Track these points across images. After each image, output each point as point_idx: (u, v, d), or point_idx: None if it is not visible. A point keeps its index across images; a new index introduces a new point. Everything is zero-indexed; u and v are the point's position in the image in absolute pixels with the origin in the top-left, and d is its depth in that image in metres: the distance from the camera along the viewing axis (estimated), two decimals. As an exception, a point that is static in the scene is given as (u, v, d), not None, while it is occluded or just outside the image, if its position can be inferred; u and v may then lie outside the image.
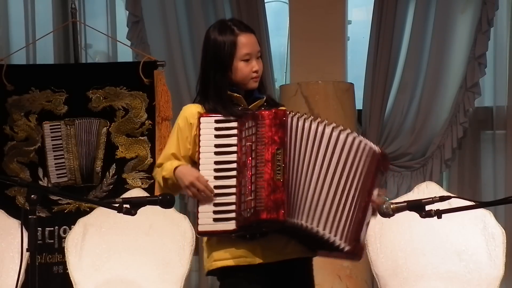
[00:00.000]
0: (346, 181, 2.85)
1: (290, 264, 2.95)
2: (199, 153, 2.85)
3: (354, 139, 2.87)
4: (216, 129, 2.86)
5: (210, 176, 2.83)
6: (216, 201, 2.82)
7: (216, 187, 2.82)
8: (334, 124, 2.87)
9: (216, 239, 2.91)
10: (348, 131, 2.88)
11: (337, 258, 3.05)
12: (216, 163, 2.83)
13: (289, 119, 2.82)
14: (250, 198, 2.77)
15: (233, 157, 2.84)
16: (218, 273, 2.96)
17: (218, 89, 2.91)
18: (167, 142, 3.04)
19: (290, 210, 2.78)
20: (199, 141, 2.86)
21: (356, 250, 2.86)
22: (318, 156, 2.84)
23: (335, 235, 2.83)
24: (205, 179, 2.82)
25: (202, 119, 2.87)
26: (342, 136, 2.86)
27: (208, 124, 2.86)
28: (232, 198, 2.81)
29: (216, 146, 2.85)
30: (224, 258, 2.90)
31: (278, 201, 2.75)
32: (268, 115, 2.81)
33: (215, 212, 2.81)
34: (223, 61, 2.91)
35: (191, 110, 2.95)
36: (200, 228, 2.83)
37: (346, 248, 2.83)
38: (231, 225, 2.81)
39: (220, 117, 2.86)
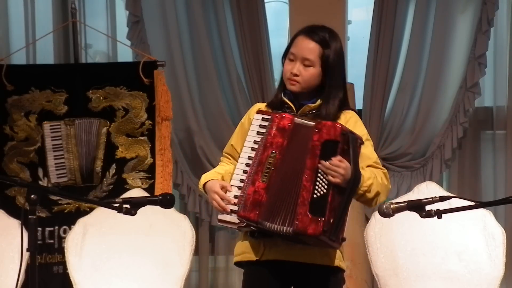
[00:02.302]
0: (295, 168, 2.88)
1: (308, 268, 2.98)
2: (243, 146, 2.99)
3: (298, 125, 2.91)
4: (260, 126, 2.97)
5: (241, 170, 2.95)
6: (236, 194, 2.93)
7: (241, 180, 2.93)
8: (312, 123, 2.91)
9: (238, 236, 3.10)
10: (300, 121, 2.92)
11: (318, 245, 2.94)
12: (249, 158, 2.94)
13: (295, 126, 2.89)
14: (241, 194, 2.89)
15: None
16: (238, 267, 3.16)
17: (279, 83, 3.11)
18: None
19: (268, 212, 2.83)
20: (247, 135, 2.99)
21: (303, 226, 2.77)
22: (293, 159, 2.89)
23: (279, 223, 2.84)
24: (223, 192, 2.94)
25: (255, 115, 3.01)
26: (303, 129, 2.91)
27: (257, 120, 2.98)
28: None
29: (255, 142, 2.95)
30: (235, 254, 3.09)
31: (256, 201, 2.85)
32: (275, 118, 2.92)
33: (234, 204, 2.92)
34: (283, 56, 3.10)
35: (255, 107, 3.12)
36: (219, 216, 2.97)
37: (288, 230, 2.80)
38: (237, 219, 2.94)
39: (265, 115, 2.98)
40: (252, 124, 2.99)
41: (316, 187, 2.80)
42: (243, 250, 3.04)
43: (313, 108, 3.03)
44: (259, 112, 3.02)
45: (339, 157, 2.82)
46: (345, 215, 2.86)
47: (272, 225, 2.83)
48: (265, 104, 3.15)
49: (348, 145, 2.85)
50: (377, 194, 2.96)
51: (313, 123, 2.88)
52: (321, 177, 2.81)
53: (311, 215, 2.77)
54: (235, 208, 2.91)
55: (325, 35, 3.04)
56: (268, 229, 2.86)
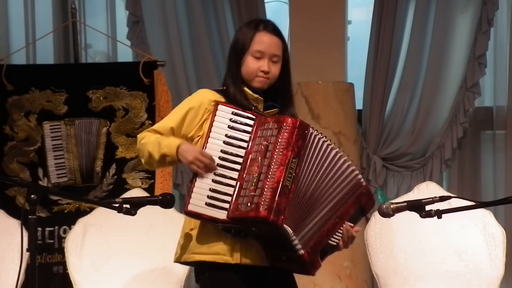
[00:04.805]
0: (329, 199, 2.90)
1: (278, 272, 2.96)
2: (208, 137, 2.85)
3: (348, 166, 2.92)
4: (231, 120, 2.88)
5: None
6: (212, 187, 2.81)
7: (217, 174, 2.82)
8: (338, 149, 2.92)
9: (198, 232, 2.91)
10: (346, 157, 2.94)
11: (290, 269, 2.99)
12: (223, 151, 2.84)
13: (310, 134, 2.86)
14: (253, 194, 2.75)
15: (241, 151, 2.85)
16: (194, 266, 3.03)
17: (234, 78, 2.96)
18: (169, 115, 3.02)
19: (292, 221, 2.79)
20: (211, 126, 2.87)
21: (310, 260, 2.84)
22: (318, 175, 2.87)
23: (298, 239, 2.82)
24: (210, 155, 2.82)
25: (220, 106, 2.89)
26: (341, 161, 2.91)
27: (225, 113, 2.88)
28: (230, 190, 2.80)
29: (227, 136, 2.86)
30: (201, 252, 2.91)
31: (281, 205, 2.74)
32: (293, 123, 2.82)
33: (209, 197, 2.80)
34: (237, 52, 2.97)
35: (208, 95, 2.96)
36: (190, 208, 2.79)
37: (301, 252, 2.80)
38: (221, 215, 2.80)
39: (238, 110, 2.89)
40: (218, 116, 2.88)
41: (335, 235, 2.90)
42: (217, 251, 2.89)
43: (276, 113, 3.00)
44: (223, 104, 2.91)
45: (360, 229, 2.98)
46: None
47: (293, 237, 2.79)
48: (212, 92, 2.99)
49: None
50: None
51: (364, 183, 2.95)
52: (341, 231, 2.91)
53: (318, 254, 2.86)
54: (226, 205, 2.78)
55: (279, 29, 3.03)
56: (279, 237, 2.82)
